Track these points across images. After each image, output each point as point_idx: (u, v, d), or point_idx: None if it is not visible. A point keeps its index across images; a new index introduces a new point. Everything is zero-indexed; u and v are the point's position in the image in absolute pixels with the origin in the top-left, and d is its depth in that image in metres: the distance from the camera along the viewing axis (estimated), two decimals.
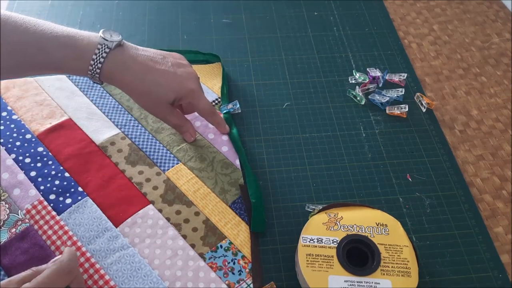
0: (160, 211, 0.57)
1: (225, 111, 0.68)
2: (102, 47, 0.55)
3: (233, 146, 0.64)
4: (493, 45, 0.82)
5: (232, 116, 0.68)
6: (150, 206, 0.58)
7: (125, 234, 0.55)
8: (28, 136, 0.63)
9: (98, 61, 0.55)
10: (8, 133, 0.63)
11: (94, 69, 0.55)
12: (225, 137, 0.65)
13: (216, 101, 0.70)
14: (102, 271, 0.52)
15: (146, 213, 0.57)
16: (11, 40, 0.53)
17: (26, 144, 0.62)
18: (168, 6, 0.85)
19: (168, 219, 0.57)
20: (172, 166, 0.62)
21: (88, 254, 0.53)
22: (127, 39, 0.78)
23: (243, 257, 0.55)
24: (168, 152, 0.63)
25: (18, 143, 0.62)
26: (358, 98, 0.72)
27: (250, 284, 0.53)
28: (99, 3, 0.85)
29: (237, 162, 0.63)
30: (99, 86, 0.70)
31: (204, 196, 0.59)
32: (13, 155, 0.61)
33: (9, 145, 0.61)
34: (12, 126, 0.64)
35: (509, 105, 0.73)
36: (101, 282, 0.51)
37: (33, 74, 0.65)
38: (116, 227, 0.55)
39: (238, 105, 0.69)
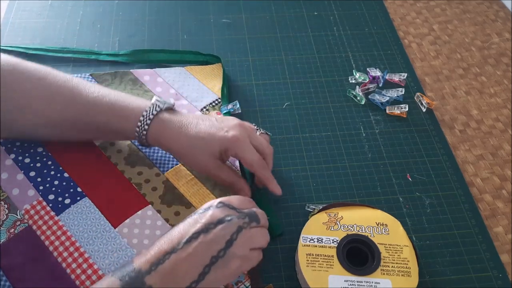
0: (159, 212, 0.57)
1: (225, 111, 0.68)
2: (153, 106, 0.56)
3: None
4: (493, 45, 0.82)
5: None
6: (149, 207, 0.57)
7: (123, 235, 0.55)
8: None
9: (147, 118, 0.56)
10: None
11: (141, 128, 0.56)
12: None
13: (216, 102, 0.70)
14: (100, 272, 0.52)
15: (145, 214, 0.57)
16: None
17: (25, 145, 0.61)
18: (168, 6, 0.85)
19: (167, 220, 0.57)
20: (172, 167, 0.62)
21: (86, 255, 0.53)
22: (127, 39, 0.80)
23: None
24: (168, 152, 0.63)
25: (17, 143, 0.62)
26: (358, 98, 0.72)
27: (249, 286, 0.52)
28: (99, 3, 0.85)
29: (237, 164, 0.62)
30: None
31: (204, 197, 0.59)
32: (13, 155, 0.60)
33: (9, 145, 0.61)
34: None
35: (509, 105, 0.73)
36: None
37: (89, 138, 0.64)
38: (115, 228, 0.55)
39: (238, 105, 0.69)
